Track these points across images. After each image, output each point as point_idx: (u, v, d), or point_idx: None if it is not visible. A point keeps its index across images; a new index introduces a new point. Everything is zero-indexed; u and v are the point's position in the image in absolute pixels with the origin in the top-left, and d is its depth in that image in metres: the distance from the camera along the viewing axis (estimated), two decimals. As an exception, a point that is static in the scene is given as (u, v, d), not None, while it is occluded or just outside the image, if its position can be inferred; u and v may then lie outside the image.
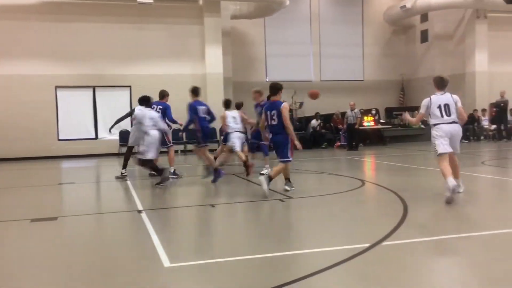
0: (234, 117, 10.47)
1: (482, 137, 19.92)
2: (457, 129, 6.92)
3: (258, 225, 5.97)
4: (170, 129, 11.53)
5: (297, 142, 7.71)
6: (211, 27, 17.71)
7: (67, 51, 16.68)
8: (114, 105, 16.68)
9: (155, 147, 8.91)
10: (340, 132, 18.29)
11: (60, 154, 16.56)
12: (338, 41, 21.82)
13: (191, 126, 9.44)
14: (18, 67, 16.40)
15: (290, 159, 7.70)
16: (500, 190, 8.46)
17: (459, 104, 7.05)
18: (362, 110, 18.18)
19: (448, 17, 21.10)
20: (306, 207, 7.07)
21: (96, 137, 17.31)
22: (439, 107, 6.88)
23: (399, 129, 20.25)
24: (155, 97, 10.76)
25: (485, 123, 19.97)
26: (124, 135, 15.26)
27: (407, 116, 7.98)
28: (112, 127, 11.08)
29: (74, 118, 17.09)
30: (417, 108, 7.77)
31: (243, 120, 10.58)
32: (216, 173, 9.21)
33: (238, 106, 11.87)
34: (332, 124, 19.02)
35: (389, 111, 21.49)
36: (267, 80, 20.95)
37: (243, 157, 10.25)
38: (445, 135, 6.85)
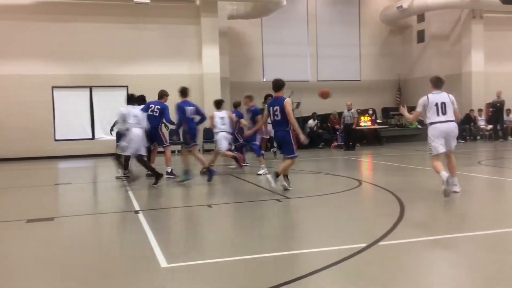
0: (221, 118, 10.54)
1: (478, 137, 19.97)
2: (453, 127, 7.05)
3: (255, 225, 5.97)
4: (167, 129, 11.54)
5: (302, 136, 7.85)
6: (208, 27, 17.70)
7: (63, 51, 16.63)
8: (111, 105, 16.63)
9: (135, 145, 8.84)
10: (337, 132, 18.31)
11: (56, 154, 16.51)
12: (335, 41, 21.84)
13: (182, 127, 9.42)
14: (14, 67, 16.34)
15: (296, 154, 7.80)
16: (496, 190, 8.49)
17: (456, 106, 7.16)
18: (359, 110, 18.21)
19: (445, 17, 21.16)
20: (303, 207, 7.08)
21: (93, 138, 17.27)
22: (436, 105, 7.00)
23: (396, 129, 20.30)
24: (153, 97, 10.78)
25: (482, 123, 20.03)
26: (121, 136, 15.21)
27: (405, 111, 8.04)
28: (112, 129, 11.07)
29: (71, 118, 17.03)
30: (414, 108, 7.81)
31: (231, 121, 10.61)
32: (209, 172, 9.23)
33: (236, 106, 11.91)
34: (329, 124, 19.04)
35: (386, 111, 21.53)
36: (264, 80, 20.97)
37: (230, 154, 10.46)
38: (440, 135, 6.98)
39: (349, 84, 21.70)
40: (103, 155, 16.57)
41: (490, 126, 19.52)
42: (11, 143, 16.06)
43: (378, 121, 20.36)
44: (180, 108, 9.20)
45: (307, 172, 10.91)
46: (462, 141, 18.54)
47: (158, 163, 10.90)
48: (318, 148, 17.82)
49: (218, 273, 4.04)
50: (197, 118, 9.46)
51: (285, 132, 7.70)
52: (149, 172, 10.56)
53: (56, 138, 16.90)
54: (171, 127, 10.88)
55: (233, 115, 10.92)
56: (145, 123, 9.20)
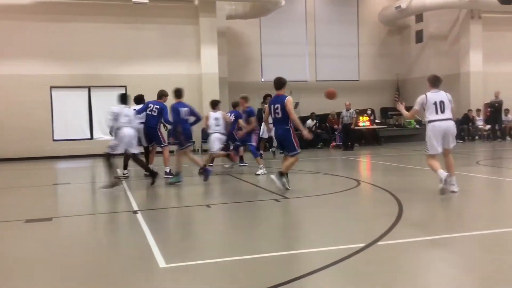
0: (216, 118, 10.57)
1: (476, 137, 20.01)
2: (452, 126, 7.17)
3: (253, 225, 5.97)
4: (166, 129, 11.54)
5: (305, 132, 7.98)
6: (207, 27, 17.70)
7: (62, 51, 16.62)
8: (109, 106, 16.58)
9: (125, 143, 8.80)
10: (336, 132, 18.33)
11: (55, 154, 16.50)
12: (334, 41, 21.86)
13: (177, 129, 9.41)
14: (12, 67, 16.33)
15: (299, 151, 7.85)
16: (495, 190, 8.50)
17: (453, 104, 7.30)
18: (357, 110, 18.24)
19: (443, 17, 21.19)
20: (302, 207, 7.08)
21: (91, 138, 17.25)
22: (435, 103, 7.11)
23: (394, 129, 20.33)
24: (151, 98, 10.78)
25: (480, 123, 20.07)
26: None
27: (402, 107, 8.11)
28: (111, 130, 11.01)
29: (69, 119, 17.03)
30: (412, 108, 7.86)
31: (225, 121, 10.62)
32: (205, 172, 9.22)
33: (234, 106, 11.92)
34: (327, 124, 19.05)
35: (384, 111, 21.54)
36: (262, 80, 20.99)
37: (222, 153, 10.54)
38: (439, 134, 7.08)
39: (347, 84, 21.71)
40: (102, 155, 16.56)
41: (488, 126, 19.56)
42: (9, 143, 16.05)
43: (376, 121, 20.39)
44: (175, 110, 9.19)
45: (306, 172, 10.91)
46: (461, 141, 18.56)
47: (157, 163, 10.90)
48: (316, 148, 17.84)
49: (216, 273, 4.04)
50: (192, 119, 9.43)
51: (285, 130, 7.78)
52: (147, 172, 10.58)
53: (55, 138, 16.89)
54: (170, 127, 10.86)
55: (228, 116, 10.92)
56: (136, 123, 9.19)
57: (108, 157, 8.68)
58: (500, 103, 18.93)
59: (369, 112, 20.11)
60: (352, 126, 16.89)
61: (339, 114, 17.90)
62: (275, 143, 13.90)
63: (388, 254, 4.38)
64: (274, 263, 4.23)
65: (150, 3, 16.61)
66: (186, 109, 9.29)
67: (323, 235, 5.26)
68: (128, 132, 8.84)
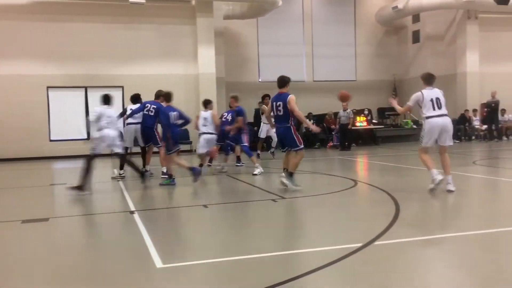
0: (205, 118, 10.57)
1: (473, 137, 20.06)
2: (448, 122, 7.34)
3: (250, 225, 5.97)
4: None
5: (312, 127, 8.42)
6: (204, 27, 17.68)
7: (58, 51, 16.58)
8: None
9: (106, 145, 8.71)
10: (333, 132, 18.33)
11: (52, 154, 16.46)
12: (331, 41, 21.88)
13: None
14: (9, 67, 16.27)
15: (302, 146, 7.91)
16: (491, 189, 8.52)
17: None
18: (354, 110, 18.22)
19: (440, 18, 21.23)
20: (299, 207, 7.09)
21: (88, 138, 17.15)
22: (431, 100, 7.27)
23: (391, 129, 20.36)
24: (147, 98, 10.76)
25: (476, 123, 20.11)
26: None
27: (394, 102, 8.23)
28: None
29: (66, 119, 16.98)
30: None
31: (215, 121, 10.61)
32: (193, 172, 9.07)
33: (231, 106, 11.91)
34: (324, 124, 19.05)
35: (381, 111, 21.58)
36: (259, 80, 20.99)
37: (204, 156, 10.68)
38: (436, 130, 7.24)
39: (344, 84, 21.62)
40: (99, 156, 16.51)
41: (485, 126, 19.60)
42: (6, 144, 15.99)
43: (373, 121, 20.42)
44: (164, 114, 9.19)
45: (303, 172, 10.91)
46: (457, 141, 18.61)
47: (154, 163, 10.89)
48: (314, 148, 17.84)
49: (213, 273, 4.04)
50: (180, 122, 9.41)
51: (286, 128, 7.90)
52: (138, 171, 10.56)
53: (51, 138, 16.84)
54: None
55: (217, 116, 10.89)
56: (118, 124, 9.05)
57: (89, 158, 8.46)
58: (496, 103, 18.98)
59: (366, 112, 20.14)
60: (349, 126, 16.91)
61: (336, 114, 17.92)
62: (274, 144, 13.91)
63: (385, 254, 4.38)
64: (271, 263, 4.22)
65: (147, 3, 16.58)
66: (175, 113, 9.26)
67: (320, 235, 5.27)
68: (110, 133, 8.71)
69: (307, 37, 21.75)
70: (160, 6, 17.47)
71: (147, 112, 10.15)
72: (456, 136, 18.47)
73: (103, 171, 11.88)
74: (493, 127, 19.18)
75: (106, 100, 9.03)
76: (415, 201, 6.97)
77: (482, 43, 20.64)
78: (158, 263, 4.22)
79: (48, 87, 16.75)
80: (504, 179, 9.48)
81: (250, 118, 18.25)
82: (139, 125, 10.32)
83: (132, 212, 6.60)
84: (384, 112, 21.33)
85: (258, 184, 9.22)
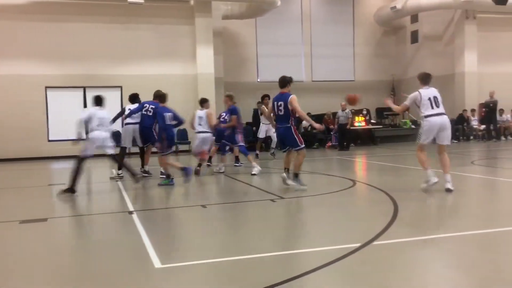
0: (200, 117, 10.60)
1: (471, 137, 20.09)
2: (446, 120, 7.43)
3: (249, 226, 5.98)
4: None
5: (316, 125, 8.51)
6: (202, 27, 17.68)
7: (57, 51, 16.57)
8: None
9: (96, 147, 8.62)
10: (331, 132, 18.35)
11: (50, 155, 16.44)
12: (329, 41, 21.89)
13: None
14: (7, 67, 16.26)
15: (303, 146, 7.97)
16: (490, 189, 8.53)
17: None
18: (353, 110, 18.24)
19: (438, 18, 21.26)
20: (297, 207, 7.09)
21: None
22: (429, 99, 7.36)
23: (390, 129, 20.38)
24: (146, 98, 10.75)
25: (475, 123, 20.14)
26: (115, 136, 15.16)
27: (390, 102, 8.30)
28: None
29: (65, 119, 16.92)
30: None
31: (209, 120, 10.61)
32: (184, 171, 9.04)
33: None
34: (323, 124, 19.04)
35: (380, 111, 21.59)
36: (258, 80, 20.99)
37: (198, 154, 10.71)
38: (434, 129, 7.33)
39: (343, 84, 21.74)
40: (97, 156, 16.50)
41: (483, 126, 19.64)
42: (4, 144, 15.98)
43: (372, 121, 20.43)
44: (160, 115, 9.19)
45: (302, 172, 10.89)
46: (456, 141, 18.65)
47: (152, 163, 10.89)
48: (312, 148, 17.84)
49: (212, 273, 4.04)
50: (174, 122, 9.42)
51: (286, 128, 7.96)
52: (143, 173, 10.56)
53: (50, 138, 16.82)
54: None
55: (212, 114, 10.89)
56: (110, 126, 8.87)
57: (79, 160, 8.37)
58: (495, 103, 19.02)
59: (364, 112, 20.14)
60: (348, 126, 16.93)
61: (334, 114, 17.93)
62: (274, 144, 13.92)
63: (383, 254, 4.38)
64: (270, 263, 4.22)
65: (146, 3, 16.58)
66: (170, 114, 9.27)
67: (319, 235, 5.27)
68: (100, 135, 8.59)
69: (305, 37, 21.76)
70: (158, 6, 17.47)
71: (145, 112, 10.15)
72: (455, 136, 18.49)
73: (102, 171, 11.88)
74: (491, 127, 19.22)
75: (98, 101, 8.88)
76: (414, 201, 6.98)
77: (480, 43, 20.67)
78: (157, 263, 4.22)
79: (46, 87, 16.74)
80: (502, 179, 9.50)
81: (248, 118, 18.30)
82: (137, 125, 10.32)
83: (130, 212, 6.60)
84: (383, 112, 21.34)
85: (256, 184, 9.23)
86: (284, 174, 8.18)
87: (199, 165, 10.59)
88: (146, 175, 10.47)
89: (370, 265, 4.05)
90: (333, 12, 22.16)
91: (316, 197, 7.59)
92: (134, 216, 6.31)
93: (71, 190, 8.19)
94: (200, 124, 10.58)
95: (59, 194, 8.23)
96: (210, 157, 11.97)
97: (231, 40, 20.47)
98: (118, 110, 11.66)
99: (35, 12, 16.47)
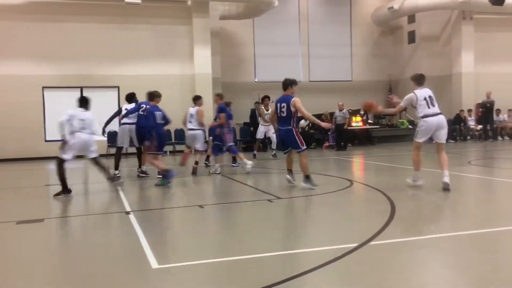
0: (191, 114, 10.66)
1: (468, 137, 20.13)
2: (443, 120, 7.56)
3: (246, 226, 5.97)
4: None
5: (323, 124, 8.77)
6: (200, 27, 17.68)
7: (54, 51, 16.53)
8: (102, 106, 16.51)
9: (78, 149, 8.43)
10: (329, 133, 18.34)
11: (47, 155, 16.36)
12: (327, 42, 21.91)
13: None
14: (4, 67, 16.22)
15: (304, 147, 8.08)
16: (487, 189, 8.56)
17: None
18: (350, 111, 18.28)
19: (435, 18, 21.29)
20: (295, 207, 7.10)
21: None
22: (425, 99, 7.49)
23: (387, 130, 20.40)
24: (143, 98, 10.72)
25: (472, 123, 20.18)
26: (112, 136, 15.14)
27: (380, 107, 8.39)
28: (103, 130, 10.92)
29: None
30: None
31: (198, 117, 10.63)
32: (167, 174, 9.00)
33: (226, 105, 11.91)
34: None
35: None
36: (256, 80, 20.99)
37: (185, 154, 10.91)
38: (431, 129, 7.46)
39: (340, 85, 21.78)
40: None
41: (480, 126, 19.69)
42: (1, 144, 15.93)
43: (369, 121, 20.44)
44: (151, 113, 9.19)
45: (300, 172, 10.92)
46: (452, 141, 18.69)
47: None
48: (309, 148, 17.82)
49: (209, 273, 4.04)
50: (162, 122, 9.43)
51: (287, 131, 8.07)
52: (140, 173, 10.55)
53: (47, 139, 16.78)
54: None
55: (202, 111, 10.88)
56: (93, 128, 8.52)
57: (59, 163, 8.23)
58: (491, 103, 19.07)
59: (362, 112, 20.14)
60: (345, 126, 16.95)
61: (332, 114, 17.94)
62: (274, 145, 13.92)
63: (380, 254, 4.39)
64: (267, 263, 4.22)
65: (143, 3, 16.56)
66: (160, 113, 9.28)
67: (316, 235, 5.28)
68: (82, 137, 8.33)
69: (303, 37, 21.77)
70: (156, 6, 17.45)
71: (142, 113, 10.12)
72: (451, 136, 18.53)
73: (97, 171, 11.82)
74: (488, 127, 19.27)
75: (81, 102, 8.60)
76: (410, 201, 6.99)
77: (477, 44, 20.72)
78: (154, 263, 4.21)
79: (43, 87, 16.71)
80: (499, 179, 9.52)
81: (246, 118, 18.31)
82: (133, 125, 10.30)
83: (127, 213, 6.59)
84: (380, 112, 21.34)
85: (254, 184, 9.23)
86: (288, 176, 8.37)
87: (196, 162, 10.62)
88: (143, 175, 10.47)
89: (367, 265, 4.05)
90: (330, 12, 22.18)
91: (313, 197, 7.59)
92: (131, 217, 6.30)
93: (65, 191, 8.15)
94: (190, 122, 10.66)
95: (54, 197, 8.18)
96: (208, 157, 11.97)
97: (228, 40, 20.46)
98: (116, 110, 11.67)
99: (32, 12, 16.43)
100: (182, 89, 17.38)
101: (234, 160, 12.01)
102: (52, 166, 14.80)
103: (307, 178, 8.04)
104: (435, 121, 7.45)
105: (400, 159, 13.66)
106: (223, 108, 10.87)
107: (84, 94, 16.89)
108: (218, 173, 10.60)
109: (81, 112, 8.45)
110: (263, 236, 5.29)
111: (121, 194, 8.39)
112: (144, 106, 10.15)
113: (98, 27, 17.03)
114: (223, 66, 19.35)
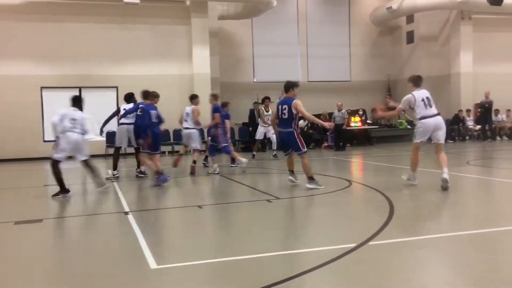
0: (187, 113, 10.71)
1: (467, 137, 20.14)
2: (441, 121, 7.64)
3: (245, 226, 5.97)
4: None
5: (326, 124, 9.00)
6: (198, 27, 17.67)
7: (52, 52, 16.50)
8: (100, 106, 16.51)
9: (69, 150, 8.29)
10: (327, 133, 18.35)
11: (45, 155, 16.23)
12: (325, 42, 21.90)
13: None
14: (3, 67, 16.18)
15: (305, 150, 8.16)
16: (485, 189, 8.56)
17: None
18: (349, 111, 18.28)
19: (434, 18, 21.30)
20: (294, 207, 7.10)
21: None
22: (423, 100, 7.54)
23: (386, 130, 20.42)
24: (141, 99, 10.71)
25: (470, 123, 20.20)
26: (110, 136, 15.13)
27: (380, 112, 8.41)
28: (101, 130, 10.90)
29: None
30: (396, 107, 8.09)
31: (193, 116, 10.64)
32: (159, 177, 8.98)
33: (223, 106, 11.94)
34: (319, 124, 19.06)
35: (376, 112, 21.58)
36: (254, 80, 20.98)
37: (177, 157, 11.01)
38: (429, 130, 7.52)
39: (339, 85, 21.78)
40: (93, 156, 16.43)
41: (478, 127, 19.70)
42: (0, 144, 15.89)
43: (368, 121, 20.45)
44: (146, 112, 9.19)
45: (298, 173, 10.91)
46: (451, 141, 18.71)
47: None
48: (308, 149, 17.81)
49: (208, 273, 4.03)
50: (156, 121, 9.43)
51: (289, 133, 8.12)
52: (139, 173, 10.54)
53: (45, 139, 16.74)
54: None
55: (197, 110, 10.89)
56: (85, 128, 8.40)
57: (53, 164, 8.14)
58: (490, 104, 19.08)
59: (360, 112, 20.17)
60: (344, 127, 16.95)
61: (330, 114, 17.94)
62: (274, 146, 13.90)
63: (379, 254, 4.39)
64: (266, 263, 4.22)
65: (142, 3, 16.54)
66: (155, 112, 9.27)
67: (315, 235, 5.27)
68: (73, 137, 8.20)
69: (301, 37, 21.77)
70: (154, 6, 17.43)
71: (140, 113, 10.10)
72: (450, 136, 18.56)
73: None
74: (487, 127, 19.29)
75: (73, 102, 8.54)
76: (409, 201, 7.00)
77: (475, 44, 20.73)
78: (153, 264, 4.20)
79: (42, 88, 16.68)
80: (498, 179, 9.53)
81: (244, 118, 18.29)
82: (132, 126, 10.28)
83: (126, 213, 6.58)
84: (379, 112, 21.34)
85: (252, 185, 9.23)
86: (290, 177, 8.42)
87: (194, 161, 10.61)
88: (142, 175, 10.46)
89: (366, 265, 4.05)
90: (329, 12, 22.17)
91: (312, 197, 7.59)
92: (130, 217, 6.30)
93: (63, 191, 8.13)
94: (186, 120, 10.68)
95: (52, 197, 8.15)
96: (206, 157, 11.97)
97: (227, 40, 20.45)
98: (114, 109, 11.66)
99: (31, 12, 16.40)
100: (180, 89, 17.36)
101: (233, 160, 12.00)
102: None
103: (311, 179, 8.06)
104: (432, 122, 7.51)
105: (399, 159, 13.66)
106: (218, 108, 10.90)
107: (83, 95, 16.98)
108: (217, 173, 10.59)
109: (73, 112, 8.36)
110: (262, 236, 5.28)
111: (120, 194, 8.38)
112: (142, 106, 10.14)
113: (96, 27, 17.01)
114: (222, 66, 19.35)
